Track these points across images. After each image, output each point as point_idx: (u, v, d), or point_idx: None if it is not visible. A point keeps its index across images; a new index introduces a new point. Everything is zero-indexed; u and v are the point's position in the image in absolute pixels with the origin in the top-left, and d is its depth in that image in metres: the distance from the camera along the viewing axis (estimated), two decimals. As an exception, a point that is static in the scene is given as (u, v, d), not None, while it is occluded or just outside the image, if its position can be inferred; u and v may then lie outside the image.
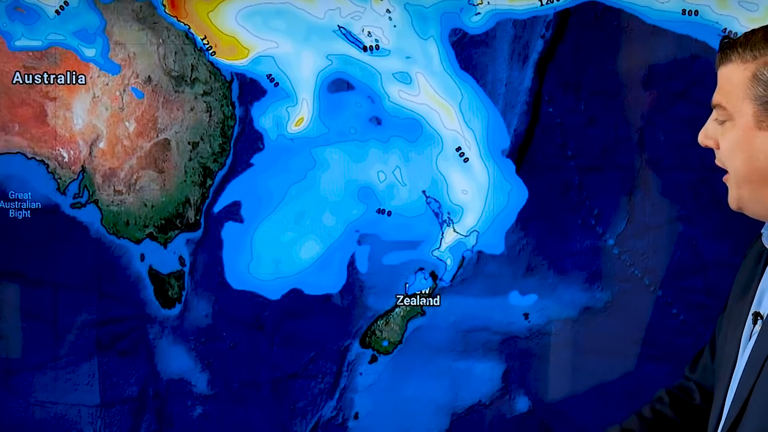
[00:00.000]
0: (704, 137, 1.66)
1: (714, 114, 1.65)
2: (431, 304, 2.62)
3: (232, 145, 2.63)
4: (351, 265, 2.63)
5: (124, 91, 2.64)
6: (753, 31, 1.63)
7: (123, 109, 2.64)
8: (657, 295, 2.57)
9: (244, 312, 2.66)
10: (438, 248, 2.61)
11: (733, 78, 1.62)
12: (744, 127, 1.62)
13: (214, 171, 2.64)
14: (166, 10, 2.61)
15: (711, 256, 2.56)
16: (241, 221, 2.64)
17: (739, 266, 1.83)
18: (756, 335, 1.63)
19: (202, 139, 2.63)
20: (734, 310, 1.74)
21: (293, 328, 2.65)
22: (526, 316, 2.60)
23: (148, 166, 2.64)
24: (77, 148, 2.65)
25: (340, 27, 2.59)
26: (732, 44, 1.62)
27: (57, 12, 2.62)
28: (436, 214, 2.60)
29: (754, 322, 1.64)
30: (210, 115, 2.63)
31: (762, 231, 1.69)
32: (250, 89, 2.62)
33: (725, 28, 2.46)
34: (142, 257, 2.66)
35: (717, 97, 1.64)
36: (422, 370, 2.64)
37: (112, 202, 2.66)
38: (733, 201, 1.65)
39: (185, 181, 2.65)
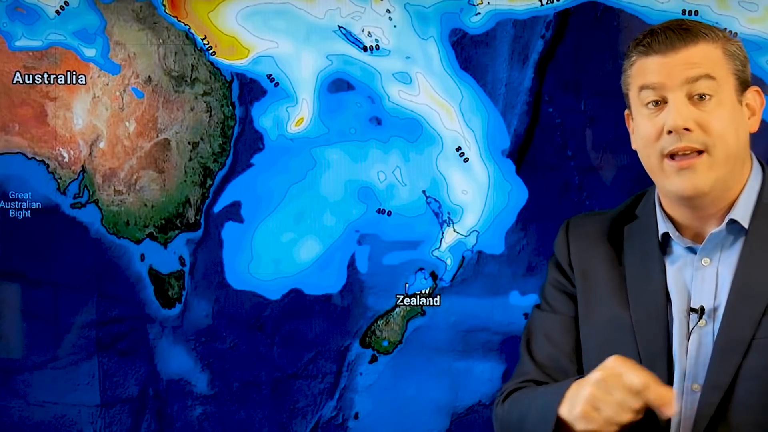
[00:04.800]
0: (684, 120, 1.59)
1: (691, 91, 1.62)
2: (431, 304, 2.62)
3: (232, 145, 2.63)
4: (351, 265, 2.63)
5: (124, 91, 2.64)
6: (670, 22, 1.67)
7: (123, 109, 2.64)
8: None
9: (244, 312, 2.66)
10: (438, 248, 2.61)
11: (710, 54, 1.62)
12: (730, 102, 1.62)
13: (214, 171, 2.64)
14: (166, 10, 2.61)
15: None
16: (241, 221, 2.64)
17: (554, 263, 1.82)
18: (702, 330, 1.62)
19: (202, 139, 2.64)
20: (621, 315, 1.69)
21: (293, 328, 2.65)
22: (526, 316, 2.60)
23: (148, 166, 2.64)
24: (77, 148, 2.65)
25: (340, 27, 2.59)
26: (690, 27, 1.63)
27: (57, 12, 2.62)
28: (436, 214, 2.60)
29: (699, 317, 1.63)
30: (210, 115, 2.63)
31: (664, 231, 1.68)
32: (250, 89, 2.62)
33: (725, 28, 2.46)
34: (142, 257, 2.66)
35: (702, 70, 1.60)
36: (422, 370, 2.64)
37: (112, 202, 2.66)
38: (707, 183, 1.61)
39: (185, 181, 2.65)
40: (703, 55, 1.62)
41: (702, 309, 1.63)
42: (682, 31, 1.63)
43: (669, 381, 1.64)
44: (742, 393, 1.59)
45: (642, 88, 1.64)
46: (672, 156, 1.62)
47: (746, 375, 1.58)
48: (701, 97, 1.61)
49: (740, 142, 1.65)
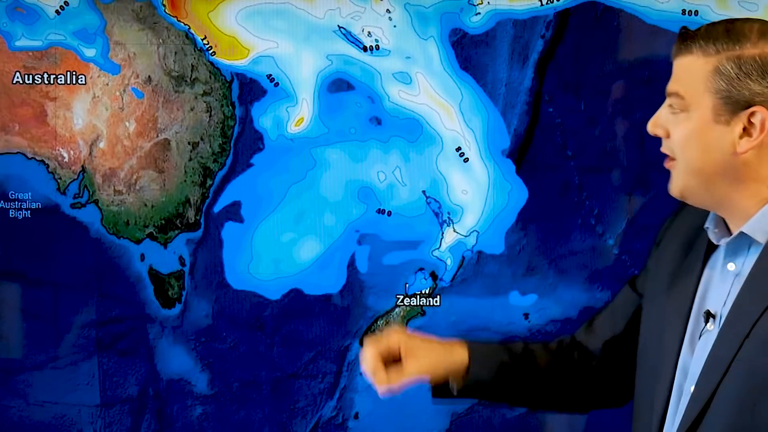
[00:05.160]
0: (654, 126, 1.64)
1: (668, 102, 1.64)
2: (431, 304, 2.62)
3: (232, 145, 2.63)
4: (351, 265, 2.63)
5: (124, 91, 2.64)
6: (714, 23, 1.62)
7: (123, 109, 2.64)
8: (657, 295, 2.57)
9: (244, 312, 2.66)
10: (438, 248, 2.61)
11: (693, 69, 1.62)
12: (700, 120, 1.62)
13: (214, 171, 2.64)
14: (166, 10, 2.61)
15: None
16: (241, 221, 2.64)
17: (650, 251, 1.83)
18: (709, 334, 1.62)
19: (202, 139, 2.64)
20: (664, 305, 1.72)
21: (293, 328, 2.65)
22: (526, 316, 2.60)
23: (148, 166, 2.64)
24: (77, 148, 2.65)
25: (340, 27, 2.59)
26: (693, 36, 1.62)
27: (57, 12, 2.62)
28: (436, 214, 2.60)
29: (706, 320, 1.63)
30: (210, 115, 2.63)
31: (706, 226, 1.68)
32: (250, 89, 2.62)
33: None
34: (142, 257, 2.66)
35: (674, 86, 1.63)
36: (422, 370, 2.63)
37: (112, 202, 2.66)
38: (676, 189, 1.65)
39: (185, 181, 2.65)
40: (684, 70, 1.63)
41: (709, 313, 1.63)
42: (689, 37, 1.63)
43: (673, 372, 1.64)
44: (715, 412, 1.58)
45: None
46: None
47: (721, 396, 1.58)
48: (673, 107, 1.64)
49: (711, 159, 1.62)
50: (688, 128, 1.62)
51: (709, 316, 1.64)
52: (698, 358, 1.64)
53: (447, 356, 1.80)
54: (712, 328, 1.63)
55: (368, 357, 1.77)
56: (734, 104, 1.61)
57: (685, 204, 1.74)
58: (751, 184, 1.65)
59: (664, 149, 1.65)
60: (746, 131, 1.61)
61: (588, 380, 1.86)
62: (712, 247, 1.69)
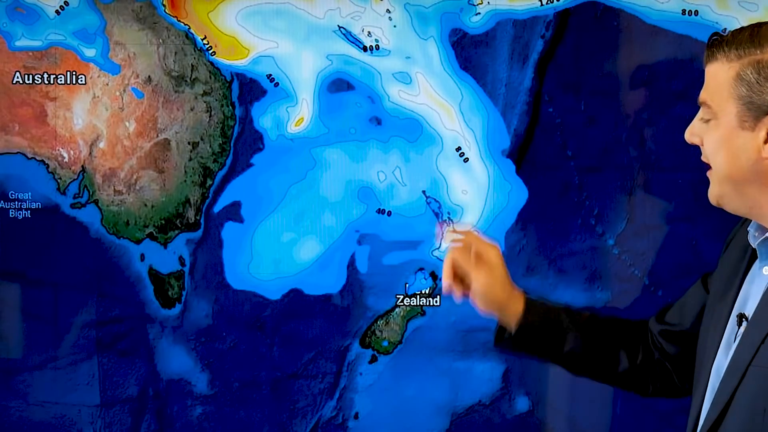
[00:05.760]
0: (690, 135, 1.67)
1: (700, 112, 1.65)
2: (431, 304, 2.62)
3: (232, 145, 2.63)
4: (351, 265, 2.63)
5: (124, 91, 2.64)
6: (740, 29, 1.63)
7: (123, 109, 2.64)
8: (657, 295, 2.57)
9: (244, 312, 2.66)
10: (438, 248, 2.61)
11: (718, 76, 1.62)
12: (727, 126, 1.62)
13: (214, 171, 2.64)
14: (166, 10, 2.61)
15: (711, 256, 2.55)
16: (241, 221, 2.64)
17: (720, 253, 1.83)
18: (740, 337, 1.63)
19: (202, 139, 2.64)
20: (715, 307, 1.73)
21: (293, 328, 2.66)
22: (526, 316, 2.60)
23: (148, 166, 2.64)
24: (77, 148, 2.65)
25: (340, 27, 2.59)
26: (719, 42, 1.62)
27: (57, 12, 2.62)
28: (436, 214, 2.60)
29: (739, 324, 1.64)
30: (210, 115, 2.63)
31: (748, 229, 1.69)
32: (250, 89, 2.62)
33: (725, 28, 2.46)
34: (142, 257, 2.66)
35: (703, 95, 1.65)
36: (422, 370, 2.64)
37: (112, 202, 2.66)
38: (713, 196, 1.66)
39: (185, 181, 2.65)
40: (712, 78, 1.63)
41: (742, 316, 1.64)
42: (715, 44, 1.63)
43: (709, 371, 1.65)
44: (732, 416, 1.59)
45: None
46: None
47: (738, 400, 1.59)
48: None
49: (739, 166, 1.63)
50: (716, 136, 1.63)
51: (742, 318, 1.64)
52: (725, 363, 1.65)
53: (507, 291, 1.85)
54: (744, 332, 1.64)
55: (446, 265, 1.86)
56: (757, 110, 1.61)
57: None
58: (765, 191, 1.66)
59: (703, 158, 1.66)
60: None
61: (654, 369, 1.88)
62: (756, 252, 1.70)
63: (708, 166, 1.66)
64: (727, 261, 1.78)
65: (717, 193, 1.66)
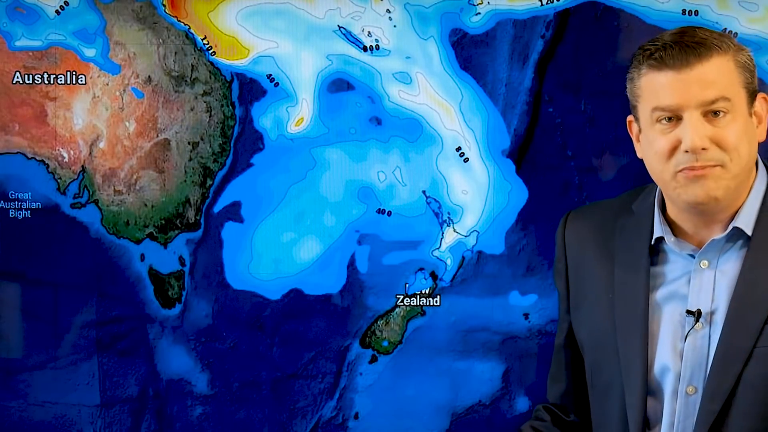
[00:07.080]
0: (701, 140, 1.59)
1: (703, 111, 1.61)
2: (431, 304, 2.62)
3: (232, 145, 2.63)
4: (351, 265, 2.63)
5: (124, 91, 2.64)
6: (681, 39, 1.63)
7: (123, 109, 2.64)
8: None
9: (244, 312, 2.66)
10: (438, 248, 2.61)
11: (723, 69, 1.61)
12: (743, 116, 1.62)
13: (214, 171, 2.64)
14: (166, 10, 2.61)
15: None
16: (241, 221, 2.64)
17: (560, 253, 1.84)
18: (697, 333, 1.62)
19: (202, 139, 2.64)
20: (606, 317, 1.72)
21: (293, 328, 2.66)
22: (526, 316, 2.60)
23: (148, 166, 2.64)
24: (77, 148, 2.65)
25: (340, 27, 2.59)
26: (701, 43, 1.61)
27: (57, 12, 2.62)
28: (436, 214, 2.60)
29: (697, 319, 1.63)
30: (210, 115, 2.63)
31: (659, 235, 1.69)
32: (250, 89, 2.62)
33: (725, 28, 2.46)
34: (142, 257, 2.66)
35: (714, 92, 1.60)
36: (422, 370, 2.64)
37: (112, 202, 2.66)
38: (720, 193, 1.61)
39: (185, 181, 2.65)
40: (717, 72, 1.61)
41: (699, 312, 1.63)
42: (695, 44, 1.61)
43: (645, 383, 1.64)
44: (742, 402, 1.59)
45: (655, 109, 1.63)
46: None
47: (746, 384, 1.59)
48: (716, 113, 1.61)
49: (752, 153, 1.65)
50: (737, 128, 1.62)
51: (697, 315, 1.64)
52: (688, 359, 1.64)
53: None
54: (702, 327, 1.63)
55: None
56: (751, 93, 1.65)
57: (565, 223, 1.80)
58: (749, 174, 1.67)
59: (708, 161, 1.60)
60: (757, 118, 1.65)
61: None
62: (655, 253, 1.70)
63: (712, 166, 1.63)
64: (589, 271, 1.77)
65: (725, 186, 1.62)
